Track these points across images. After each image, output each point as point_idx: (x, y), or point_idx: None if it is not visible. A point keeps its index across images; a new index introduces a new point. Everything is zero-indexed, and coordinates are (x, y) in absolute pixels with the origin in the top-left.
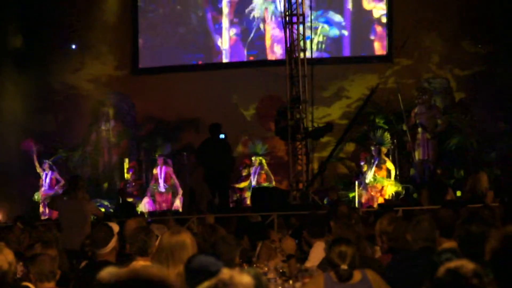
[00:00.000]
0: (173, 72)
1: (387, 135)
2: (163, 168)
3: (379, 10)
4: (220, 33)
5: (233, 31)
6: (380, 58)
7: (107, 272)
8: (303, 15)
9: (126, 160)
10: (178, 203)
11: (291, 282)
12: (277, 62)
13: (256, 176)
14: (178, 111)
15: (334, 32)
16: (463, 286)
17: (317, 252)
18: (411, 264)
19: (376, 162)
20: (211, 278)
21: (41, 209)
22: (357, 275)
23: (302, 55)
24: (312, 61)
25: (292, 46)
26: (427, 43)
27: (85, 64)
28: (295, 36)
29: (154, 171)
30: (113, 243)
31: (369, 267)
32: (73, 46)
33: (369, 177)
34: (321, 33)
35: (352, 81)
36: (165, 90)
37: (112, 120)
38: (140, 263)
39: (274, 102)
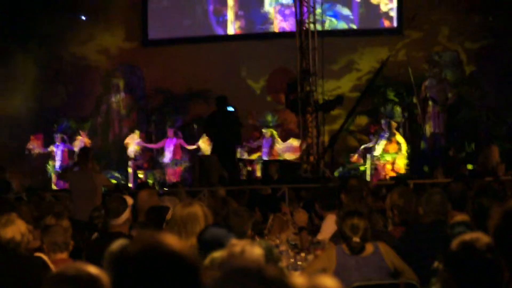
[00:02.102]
0: (183, 44)
1: (398, 109)
2: (173, 140)
3: (388, 4)
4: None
5: (237, 24)
6: (390, 30)
7: (119, 244)
8: None
9: (137, 132)
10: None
11: (303, 254)
12: (287, 35)
13: (269, 149)
14: (188, 83)
15: (342, 25)
16: (477, 259)
17: (329, 225)
18: (423, 237)
19: (386, 136)
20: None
21: (53, 180)
22: (369, 248)
23: (312, 27)
24: (322, 34)
25: (302, 18)
26: (438, 15)
27: (95, 35)
28: (305, 8)
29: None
30: (126, 214)
31: (381, 240)
32: (83, 17)
33: (378, 151)
34: (329, 26)
35: (362, 54)
36: (175, 61)
37: (122, 91)
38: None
39: (285, 75)
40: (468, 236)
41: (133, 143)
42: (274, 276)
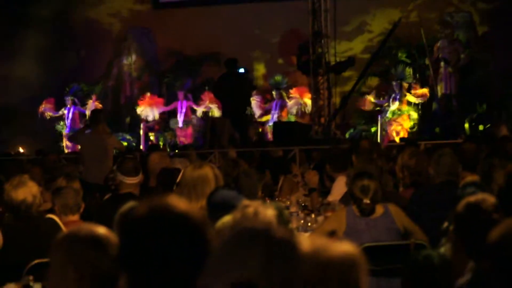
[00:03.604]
0: (194, 6)
1: (409, 70)
2: (184, 102)
3: None
4: None
5: None
6: None
7: (128, 206)
8: None
9: (147, 96)
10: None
11: (313, 215)
12: None
13: (278, 110)
14: (200, 45)
15: None
16: (483, 220)
17: (339, 186)
18: (434, 198)
19: (398, 97)
20: (233, 211)
21: (64, 143)
22: (379, 209)
23: None
24: None
25: None
26: None
27: None
28: None
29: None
30: (141, 174)
31: (392, 201)
32: None
33: (390, 111)
34: None
35: (374, 16)
36: (187, 24)
37: (134, 54)
38: None
39: (296, 37)
40: (474, 197)
41: (149, 109)
42: (283, 238)
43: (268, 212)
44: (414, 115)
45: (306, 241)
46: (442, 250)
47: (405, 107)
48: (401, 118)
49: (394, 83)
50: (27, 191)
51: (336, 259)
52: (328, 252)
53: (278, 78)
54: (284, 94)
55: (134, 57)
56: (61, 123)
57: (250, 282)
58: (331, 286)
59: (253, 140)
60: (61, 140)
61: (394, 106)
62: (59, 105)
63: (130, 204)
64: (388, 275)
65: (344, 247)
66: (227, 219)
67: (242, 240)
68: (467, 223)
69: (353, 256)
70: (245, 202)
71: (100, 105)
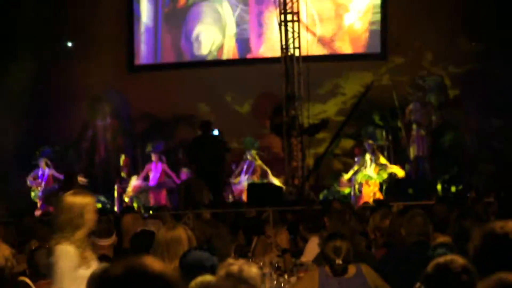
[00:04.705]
0: (168, 70)
1: (381, 132)
2: (159, 164)
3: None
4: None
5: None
6: (374, 56)
7: (103, 268)
8: (298, 13)
9: (122, 157)
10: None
11: (286, 276)
12: (272, 60)
13: (250, 172)
14: (174, 108)
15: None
16: (452, 281)
17: (312, 247)
18: (405, 258)
19: (374, 159)
20: (206, 273)
21: (39, 204)
22: (351, 270)
23: (297, 52)
24: (307, 59)
25: (287, 44)
26: (421, 40)
27: (81, 62)
28: (290, 34)
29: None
30: (113, 237)
31: (364, 262)
32: (69, 44)
33: (364, 174)
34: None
35: (347, 78)
36: (161, 87)
37: (108, 116)
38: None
39: (270, 100)
40: (444, 258)
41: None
42: None
43: (252, 270)
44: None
45: None
46: None
47: (377, 169)
48: (375, 182)
49: (366, 144)
50: None
51: None
52: None
53: (248, 140)
54: (254, 152)
55: (108, 119)
56: (34, 187)
57: None
58: None
59: (228, 202)
60: (35, 202)
61: (371, 168)
62: (31, 166)
63: (103, 265)
64: None
65: None
66: (199, 279)
67: None
68: (436, 284)
69: None
70: (230, 260)
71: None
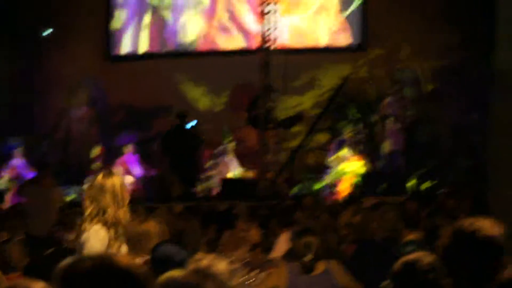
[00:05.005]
0: (146, 59)
1: (358, 126)
2: (135, 155)
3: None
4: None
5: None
6: (353, 48)
7: (69, 260)
8: (277, 3)
9: (97, 148)
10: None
11: (255, 272)
12: (250, 51)
13: (220, 165)
14: (151, 98)
15: None
16: (418, 280)
17: (283, 243)
18: (375, 255)
19: (345, 152)
20: (176, 267)
21: (7, 197)
22: (321, 266)
23: (275, 44)
24: (285, 51)
25: (264, 35)
26: (400, 33)
27: (60, 50)
28: (268, 25)
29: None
30: None
31: (334, 258)
32: (49, 31)
33: (341, 166)
34: None
35: (326, 71)
36: (138, 77)
37: (85, 106)
38: None
39: (246, 91)
40: (411, 256)
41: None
42: None
43: (221, 265)
44: (361, 170)
45: None
46: None
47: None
48: (349, 177)
49: (341, 138)
50: None
51: None
52: None
53: (224, 131)
54: (229, 147)
55: (85, 108)
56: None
57: None
58: None
59: (200, 195)
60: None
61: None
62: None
63: (71, 259)
64: None
65: None
66: (166, 275)
67: None
68: (402, 282)
69: None
70: (199, 255)
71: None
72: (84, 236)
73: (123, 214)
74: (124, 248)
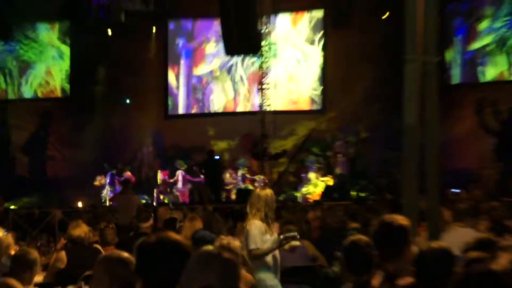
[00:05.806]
0: (192, 117)
1: (319, 159)
2: (184, 175)
3: (316, 91)
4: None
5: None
6: (317, 111)
7: (143, 239)
8: (268, 84)
9: (159, 172)
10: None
11: None
12: (252, 113)
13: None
14: (191, 141)
15: None
16: (359, 252)
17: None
18: (331, 237)
19: (313, 175)
20: (207, 244)
21: (107, 202)
22: (297, 243)
23: (269, 108)
24: (275, 112)
25: (262, 102)
26: (346, 102)
27: (133, 113)
28: (264, 96)
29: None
30: (151, 221)
31: (306, 239)
32: (127, 101)
33: (312, 183)
34: None
35: (300, 125)
36: (184, 128)
37: (151, 146)
38: None
39: (250, 137)
40: (355, 237)
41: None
42: (229, 259)
43: (236, 243)
44: (323, 186)
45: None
46: (335, 269)
47: (318, 181)
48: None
49: (310, 165)
50: (81, 230)
51: None
52: None
53: (241, 161)
54: (244, 170)
55: (150, 147)
56: (106, 189)
57: (211, 286)
58: None
59: (223, 200)
60: (106, 199)
61: (314, 181)
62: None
63: (143, 238)
64: (300, 284)
65: None
66: (203, 248)
67: (204, 259)
68: (349, 252)
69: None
70: (222, 236)
71: (130, 175)
72: (247, 226)
73: (272, 213)
74: (275, 234)
